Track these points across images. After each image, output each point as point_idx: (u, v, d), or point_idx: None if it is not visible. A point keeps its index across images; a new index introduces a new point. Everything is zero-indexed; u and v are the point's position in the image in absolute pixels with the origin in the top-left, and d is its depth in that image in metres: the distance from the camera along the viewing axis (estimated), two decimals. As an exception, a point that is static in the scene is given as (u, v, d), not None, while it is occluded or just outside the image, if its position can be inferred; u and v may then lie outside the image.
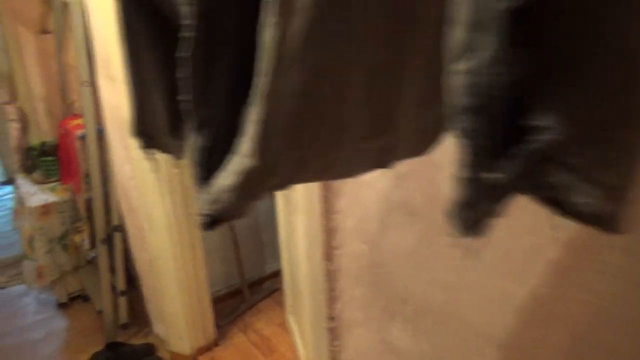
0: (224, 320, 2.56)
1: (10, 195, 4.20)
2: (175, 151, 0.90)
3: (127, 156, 2.00)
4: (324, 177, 0.49)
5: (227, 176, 0.46)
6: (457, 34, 0.29)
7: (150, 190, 2.00)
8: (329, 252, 1.12)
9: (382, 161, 0.50)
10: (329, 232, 1.11)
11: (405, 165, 0.95)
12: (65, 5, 2.04)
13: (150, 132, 0.79)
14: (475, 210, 0.31)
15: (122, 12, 0.71)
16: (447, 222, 0.31)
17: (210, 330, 2.41)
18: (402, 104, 0.46)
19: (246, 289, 2.73)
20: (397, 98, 0.45)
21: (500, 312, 0.81)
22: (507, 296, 0.79)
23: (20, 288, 2.98)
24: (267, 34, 0.39)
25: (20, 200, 2.70)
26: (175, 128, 0.92)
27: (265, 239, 2.87)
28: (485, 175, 0.30)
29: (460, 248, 0.86)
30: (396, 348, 1.05)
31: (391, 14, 0.40)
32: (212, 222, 0.47)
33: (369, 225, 1.02)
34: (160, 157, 1.83)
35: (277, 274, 2.86)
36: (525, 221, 0.73)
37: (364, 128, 0.44)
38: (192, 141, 0.49)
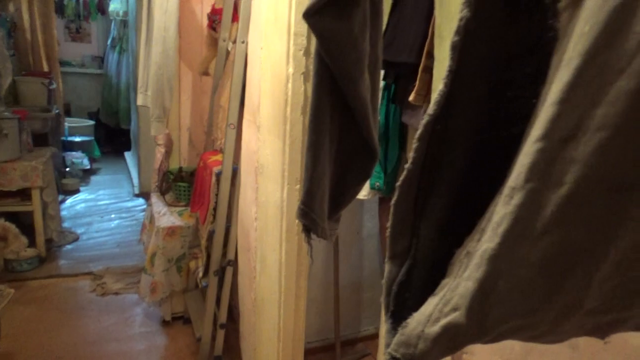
0: (312, 374, 2.51)
1: (140, 208, 4.63)
2: (328, 235, 0.90)
3: (255, 198, 2.08)
4: (535, 342, 0.43)
5: (426, 322, 0.42)
6: None
7: (270, 235, 2.05)
8: (457, 355, 1.03)
9: (602, 331, 0.44)
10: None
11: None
12: (228, 54, 2.23)
13: (312, 216, 0.79)
14: None
15: (315, 97, 0.73)
16: None
17: (299, 382, 2.37)
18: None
19: (339, 346, 2.66)
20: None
21: None
22: None
23: (132, 297, 3.21)
24: (515, 199, 0.35)
25: (150, 218, 2.93)
26: (334, 213, 0.93)
27: (366, 299, 2.80)
28: None
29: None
30: None
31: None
32: (399, 363, 0.44)
33: (511, 343, 0.92)
34: (290, 217, 1.86)
35: (371, 337, 2.77)
36: None
37: (597, 303, 0.39)
38: (386, 269, 0.47)
